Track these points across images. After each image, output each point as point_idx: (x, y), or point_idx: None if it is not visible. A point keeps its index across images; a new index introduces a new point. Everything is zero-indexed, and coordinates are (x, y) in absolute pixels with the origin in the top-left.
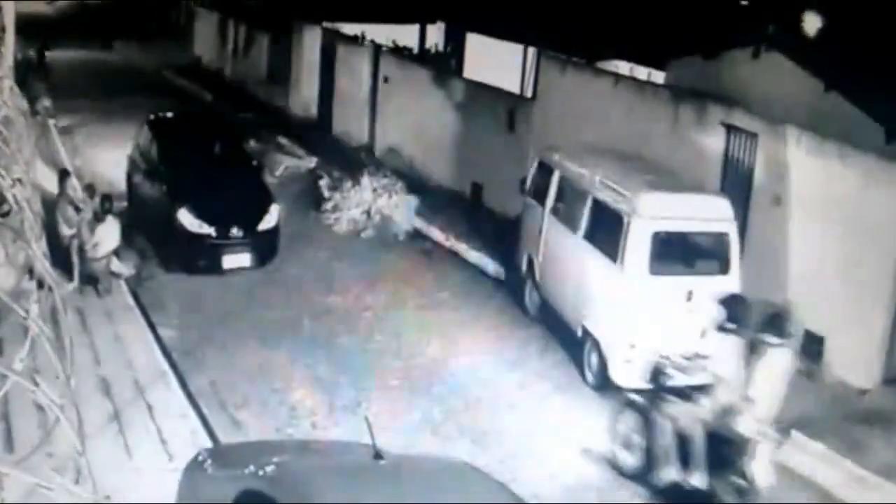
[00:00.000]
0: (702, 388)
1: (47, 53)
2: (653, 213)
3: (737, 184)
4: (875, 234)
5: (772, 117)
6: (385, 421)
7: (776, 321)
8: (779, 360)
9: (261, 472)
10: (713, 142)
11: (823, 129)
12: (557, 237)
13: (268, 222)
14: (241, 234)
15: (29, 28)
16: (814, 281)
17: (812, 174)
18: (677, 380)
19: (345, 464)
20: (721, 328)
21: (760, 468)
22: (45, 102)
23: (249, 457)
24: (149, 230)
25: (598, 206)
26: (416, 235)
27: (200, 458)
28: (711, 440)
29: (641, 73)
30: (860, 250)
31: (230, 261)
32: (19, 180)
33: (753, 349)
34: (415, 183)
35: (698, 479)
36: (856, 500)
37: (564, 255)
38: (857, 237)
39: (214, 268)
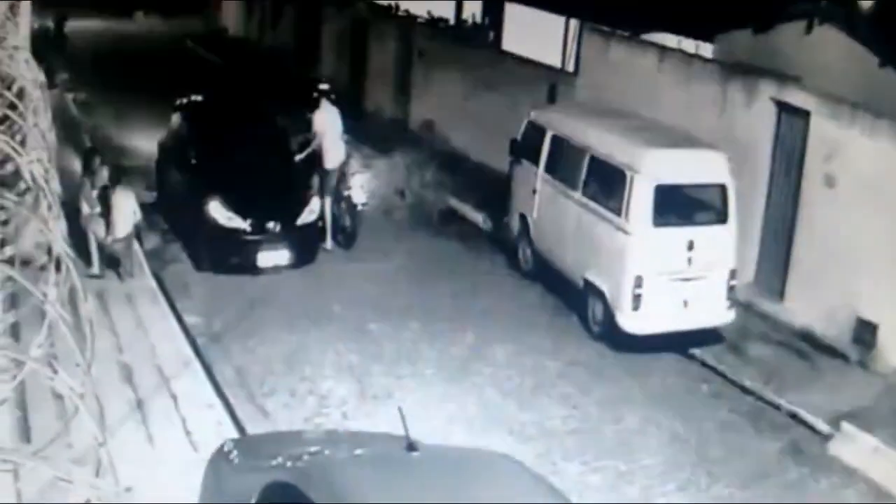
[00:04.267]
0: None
1: (65, 24)
2: (655, 168)
3: (787, 163)
4: None
5: (824, 94)
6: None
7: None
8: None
9: (289, 464)
10: (763, 119)
11: (878, 106)
12: (553, 195)
13: (308, 216)
14: (278, 228)
15: None
16: (867, 265)
17: (866, 154)
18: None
19: (377, 455)
20: None
21: (356, 191)
22: (64, 75)
23: (277, 448)
24: (178, 224)
25: (598, 164)
26: (451, 215)
27: (226, 448)
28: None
29: (689, 46)
30: None
31: (266, 258)
32: (37, 157)
33: None
34: (450, 160)
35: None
36: None
37: (562, 211)
38: None
39: (248, 266)
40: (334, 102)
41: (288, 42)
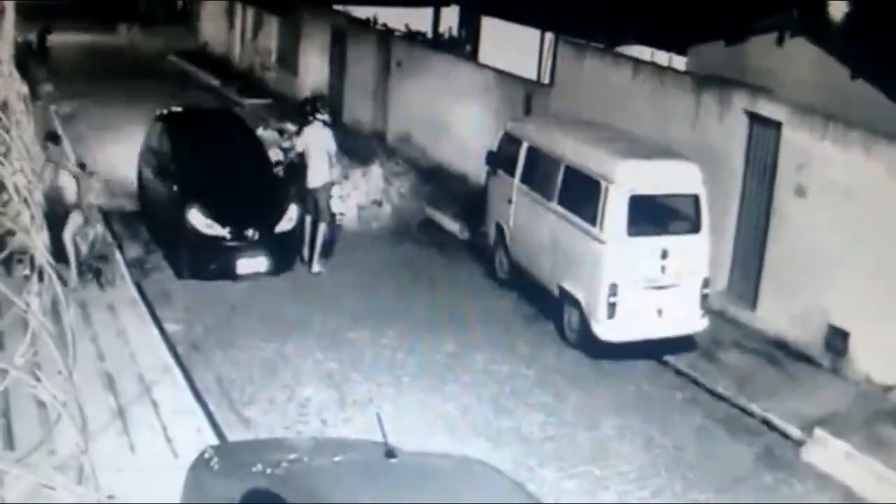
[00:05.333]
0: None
1: (49, 37)
2: (629, 178)
3: (760, 173)
4: None
5: (796, 105)
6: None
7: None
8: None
9: (269, 471)
10: (736, 130)
11: (849, 117)
12: (529, 205)
13: (286, 223)
14: (256, 236)
15: (30, 10)
16: (838, 274)
17: (837, 164)
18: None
19: (356, 462)
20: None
21: (334, 201)
22: (47, 88)
23: (257, 455)
24: (159, 232)
25: (573, 174)
26: (429, 225)
27: (206, 455)
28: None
29: (662, 58)
30: (886, 243)
31: (245, 265)
32: (20, 168)
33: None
34: (427, 171)
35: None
36: (879, 500)
37: (538, 221)
38: (883, 229)
39: (228, 273)
40: (326, 121)
41: (268, 55)
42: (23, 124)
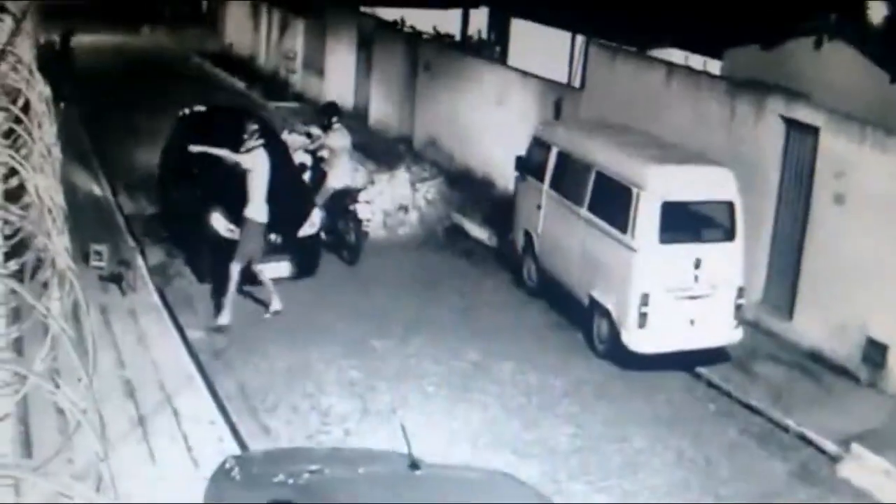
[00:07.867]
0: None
1: (72, 38)
2: (661, 184)
3: (797, 181)
4: None
5: (834, 110)
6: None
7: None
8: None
9: (291, 481)
10: (772, 136)
11: (888, 123)
12: (559, 211)
13: (309, 228)
14: (279, 240)
15: (53, 11)
16: (877, 284)
17: (876, 171)
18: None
19: (379, 473)
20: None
21: (361, 207)
22: (69, 89)
23: (279, 465)
24: (181, 235)
25: (604, 180)
26: (456, 231)
27: (227, 465)
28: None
29: (696, 62)
30: None
31: (268, 270)
32: (41, 171)
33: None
34: (455, 176)
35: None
36: None
37: (568, 228)
38: None
39: (250, 278)
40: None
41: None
42: (45, 125)
